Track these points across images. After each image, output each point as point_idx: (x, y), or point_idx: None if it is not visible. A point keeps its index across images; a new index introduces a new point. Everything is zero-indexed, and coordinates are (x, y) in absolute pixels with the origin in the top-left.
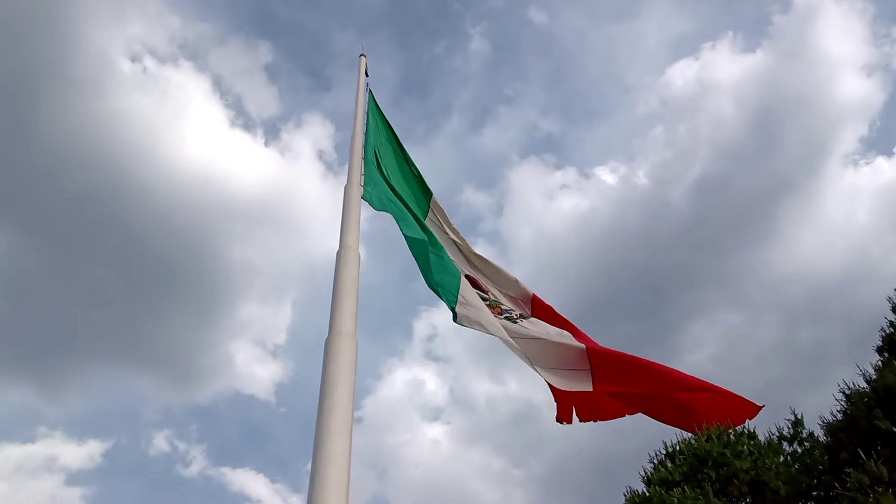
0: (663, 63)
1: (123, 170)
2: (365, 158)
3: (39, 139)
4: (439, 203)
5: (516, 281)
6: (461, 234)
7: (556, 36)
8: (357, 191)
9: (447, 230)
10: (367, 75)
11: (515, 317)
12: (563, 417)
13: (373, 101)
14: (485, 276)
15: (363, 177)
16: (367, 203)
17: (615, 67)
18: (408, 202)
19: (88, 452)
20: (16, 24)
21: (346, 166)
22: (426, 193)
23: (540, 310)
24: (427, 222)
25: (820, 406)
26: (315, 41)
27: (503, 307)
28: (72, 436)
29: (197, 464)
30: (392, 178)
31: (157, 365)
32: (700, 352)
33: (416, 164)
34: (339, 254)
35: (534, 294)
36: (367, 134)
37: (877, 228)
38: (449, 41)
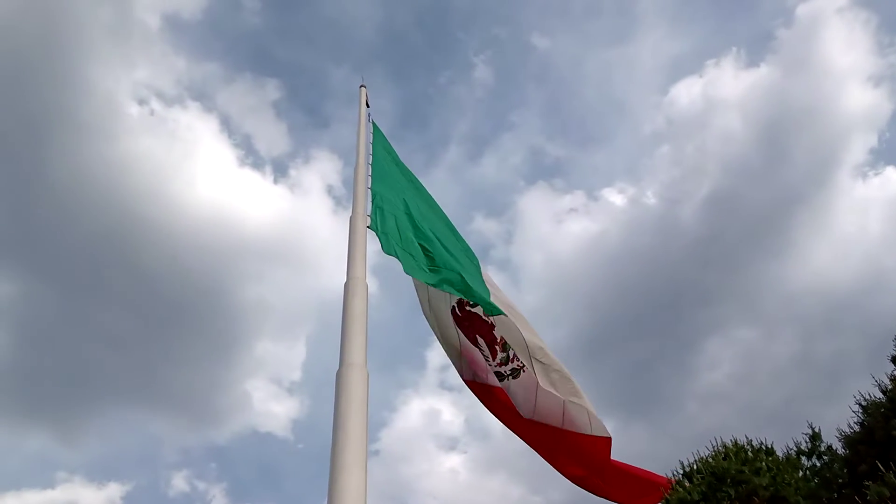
0: (667, 82)
1: (135, 212)
2: (372, 189)
3: (50, 184)
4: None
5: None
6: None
7: (556, 61)
8: (362, 222)
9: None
10: (367, 106)
11: (506, 373)
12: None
13: (379, 132)
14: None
15: (372, 207)
16: (376, 235)
17: (616, 89)
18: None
19: (108, 495)
20: (24, 70)
21: None
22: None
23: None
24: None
25: (839, 419)
26: (318, 77)
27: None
28: (91, 480)
29: (217, 502)
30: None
31: (174, 406)
32: (718, 370)
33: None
34: (346, 286)
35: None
36: (373, 165)
37: (889, 238)
38: (449, 71)
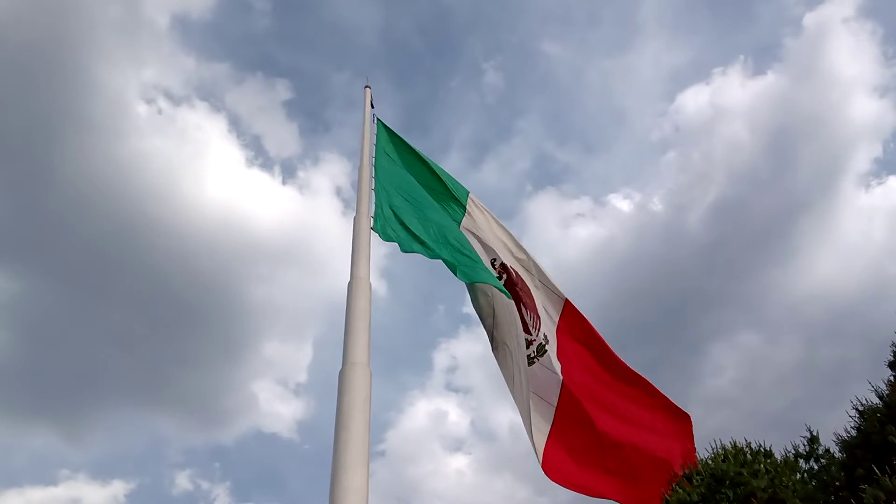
0: (674, 90)
1: (143, 212)
2: (376, 189)
3: (59, 183)
4: (478, 201)
5: (555, 286)
6: (505, 228)
7: (558, 69)
8: (366, 222)
9: (491, 230)
10: (372, 106)
11: (533, 355)
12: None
13: (384, 129)
14: (530, 275)
15: (375, 207)
16: (378, 235)
17: (621, 97)
18: (436, 216)
19: (112, 493)
20: (33, 68)
21: None
22: (460, 196)
23: (568, 317)
24: (462, 228)
25: (840, 425)
26: (325, 79)
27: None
28: (95, 477)
29: (220, 501)
30: (414, 199)
31: (180, 406)
32: (722, 376)
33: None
34: (350, 285)
35: (567, 299)
36: (376, 165)
37: (893, 247)
38: (456, 77)
